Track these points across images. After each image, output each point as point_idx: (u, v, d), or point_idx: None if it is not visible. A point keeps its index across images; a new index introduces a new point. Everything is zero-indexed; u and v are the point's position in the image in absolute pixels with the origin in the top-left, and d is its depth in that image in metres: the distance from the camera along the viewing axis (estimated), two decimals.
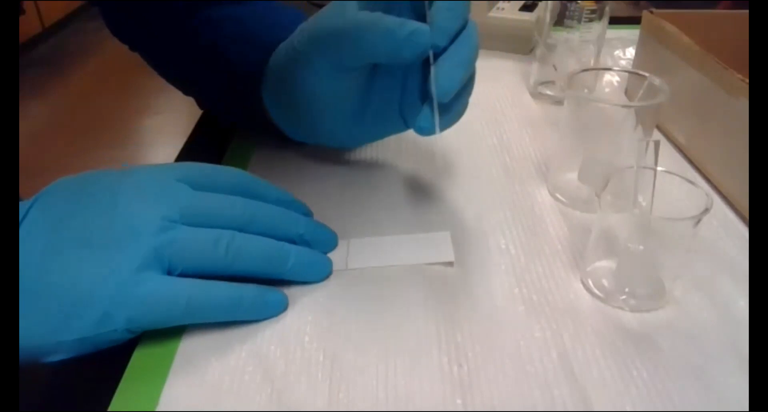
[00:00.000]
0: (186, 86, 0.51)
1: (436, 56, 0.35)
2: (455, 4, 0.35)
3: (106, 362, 0.31)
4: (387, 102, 0.41)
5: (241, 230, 0.34)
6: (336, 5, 0.37)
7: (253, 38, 0.45)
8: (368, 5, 0.36)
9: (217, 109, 0.51)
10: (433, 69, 0.34)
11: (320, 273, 0.36)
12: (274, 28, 0.44)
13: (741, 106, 0.41)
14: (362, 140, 0.47)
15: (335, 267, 0.37)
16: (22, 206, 0.32)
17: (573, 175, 0.43)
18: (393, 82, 0.40)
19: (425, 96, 0.37)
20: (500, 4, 0.70)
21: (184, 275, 0.32)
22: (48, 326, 0.29)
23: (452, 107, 0.37)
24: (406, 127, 0.42)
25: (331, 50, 0.37)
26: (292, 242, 0.36)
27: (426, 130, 0.36)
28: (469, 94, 0.39)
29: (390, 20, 0.34)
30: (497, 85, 0.62)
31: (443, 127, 0.37)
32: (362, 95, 0.40)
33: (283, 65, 0.41)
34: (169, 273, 0.32)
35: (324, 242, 0.38)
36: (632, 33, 0.63)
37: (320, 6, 0.38)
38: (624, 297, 0.35)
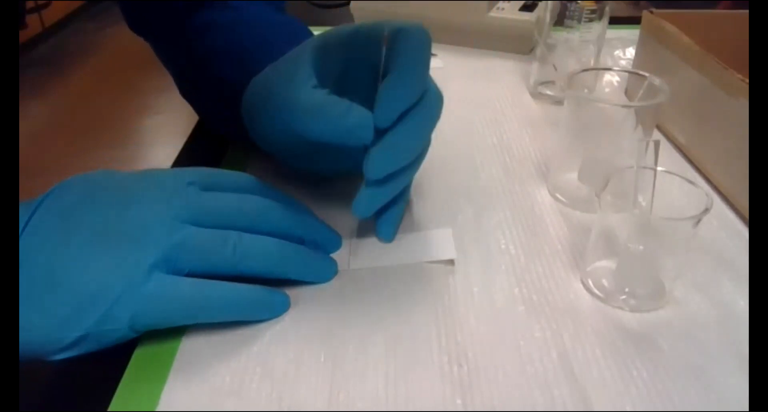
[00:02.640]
0: (185, 89, 0.51)
1: (380, 133, 0.34)
2: (404, 87, 0.33)
3: (106, 362, 0.31)
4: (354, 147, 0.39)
5: (249, 230, 0.34)
6: (290, 68, 0.36)
7: (237, 55, 0.44)
8: (326, 59, 0.36)
9: (212, 116, 0.51)
10: (368, 152, 0.33)
11: (326, 274, 0.37)
12: (260, 46, 0.43)
13: (741, 107, 0.41)
14: (338, 174, 0.44)
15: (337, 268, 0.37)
16: (31, 203, 0.32)
17: (573, 175, 0.43)
18: None
19: None
20: (500, 4, 0.70)
21: (191, 274, 0.32)
22: (54, 320, 0.29)
23: (387, 186, 0.36)
24: None
25: (276, 121, 0.36)
26: (300, 242, 0.36)
27: (358, 213, 0.35)
28: (407, 176, 0.37)
29: (333, 110, 0.33)
30: (497, 85, 0.62)
31: (373, 207, 0.36)
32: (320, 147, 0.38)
33: (247, 107, 0.40)
34: (177, 273, 0.32)
35: (329, 243, 0.38)
36: (632, 33, 0.63)
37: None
38: (624, 297, 0.35)
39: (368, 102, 0.34)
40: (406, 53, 0.33)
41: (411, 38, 0.33)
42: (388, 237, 0.39)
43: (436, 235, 0.40)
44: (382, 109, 0.33)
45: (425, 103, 0.35)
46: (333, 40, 0.36)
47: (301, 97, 0.34)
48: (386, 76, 0.33)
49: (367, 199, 0.35)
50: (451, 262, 0.38)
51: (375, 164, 0.34)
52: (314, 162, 0.41)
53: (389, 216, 0.39)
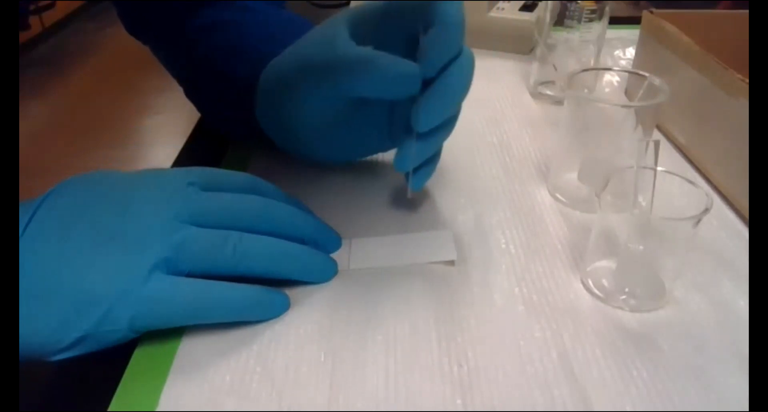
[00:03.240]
0: (186, 89, 0.51)
1: (424, 85, 0.35)
2: (448, 35, 0.34)
3: (106, 362, 0.31)
4: (376, 126, 0.41)
5: (249, 230, 0.34)
6: (327, 33, 0.37)
7: (245, 51, 0.44)
8: (359, 32, 0.36)
9: (213, 116, 0.51)
10: (416, 103, 0.34)
11: (326, 274, 0.37)
12: (268, 42, 0.43)
13: (741, 107, 0.41)
14: (352, 158, 0.46)
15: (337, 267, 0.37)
16: (31, 204, 0.32)
17: (573, 175, 0.43)
18: (382, 109, 0.40)
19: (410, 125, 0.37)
20: (500, 4, 0.70)
21: (191, 275, 0.32)
22: (54, 322, 0.29)
23: (430, 142, 0.37)
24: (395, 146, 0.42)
25: (319, 83, 0.36)
26: (300, 242, 0.36)
27: (400, 167, 0.37)
28: (447, 131, 0.39)
29: (381, 60, 0.34)
30: (497, 85, 0.62)
31: (416, 161, 0.37)
32: (351, 121, 0.40)
33: (271, 87, 0.40)
34: (177, 273, 0.32)
35: (329, 243, 0.38)
36: (632, 33, 0.63)
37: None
38: (624, 297, 0.35)
39: None
40: (444, 11, 0.34)
41: (447, 3, 0.34)
42: (418, 188, 0.40)
43: (436, 236, 0.40)
44: (428, 58, 0.34)
45: (463, 59, 0.36)
46: (366, 12, 0.37)
47: (347, 53, 0.35)
48: (428, 30, 0.34)
49: (411, 152, 0.36)
50: (451, 262, 0.38)
51: (424, 114, 0.35)
52: (326, 146, 0.41)
53: (425, 172, 0.39)
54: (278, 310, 0.34)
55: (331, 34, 0.36)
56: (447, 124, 0.38)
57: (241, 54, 0.44)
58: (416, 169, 0.39)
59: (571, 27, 0.55)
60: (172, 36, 0.48)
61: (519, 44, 0.69)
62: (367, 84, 0.35)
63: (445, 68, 0.35)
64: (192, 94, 0.51)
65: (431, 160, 0.39)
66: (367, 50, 0.35)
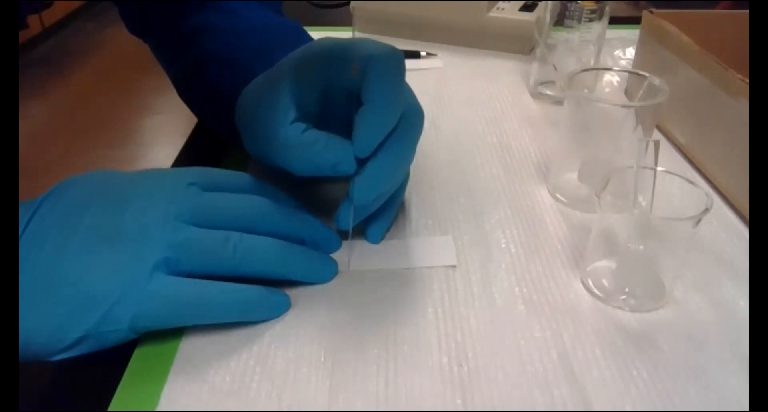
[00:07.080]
0: (179, 89, 0.51)
1: (363, 160, 0.34)
2: (377, 117, 0.33)
3: (106, 362, 0.31)
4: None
5: (250, 230, 0.34)
6: (270, 101, 0.36)
7: (234, 62, 0.43)
8: (305, 78, 0.36)
9: (202, 117, 0.51)
10: (353, 180, 0.34)
11: (326, 274, 0.37)
12: (256, 56, 0.43)
13: (741, 107, 0.41)
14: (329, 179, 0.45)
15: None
16: (31, 204, 0.32)
17: (573, 175, 0.43)
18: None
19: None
20: (500, 4, 0.70)
21: (191, 275, 0.32)
22: (54, 321, 0.29)
23: (367, 206, 0.38)
24: None
25: (263, 154, 0.37)
26: (300, 242, 0.36)
27: (339, 226, 0.37)
28: (386, 196, 0.39)
29: (313, 149, 0.34)
30: (497, 85, 0.62)
31: (355, 221, 0.37)
32: None
33: (238, 122, 0.40)
34: (178, 274, 0.32)
35: (329, 243, 0.38)
36: (632, 33, 0.63)
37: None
38: (624, 297, 0.35)
39: (351, 121, 0.34)
40: (377, 83, 0.33)
41: (380, 66, 0.33)
42: (376, 240, 0.39)
43: (437, 242, 0.40)
44: (359, 141, 0.33)
45: (405, 126, 0.35)
46: (308, 62, 0.36)
47: (279, 135, 0.34)
48: (361, 106, 0.33)
49: (349, 213, 0.36)
50: (452, 267, 0.38)
51: (361, 193, 0.34)
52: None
53: (380, 225, 0.40)
54: (279, 310, 0.34)
55: (273, 102, 0.36)
56: (386, 192, 0.38)
57: (226, 65, 0.44)
58: (370, 224, 0.39)
59: (571, 27, 0.55)
60: (171, 37, 0.48)
61: (519, 44, 0.69)
62: (300, 170, 0.35)
63: (382, 145, 0.34)
64: (188, 96, 0.51)
65: (385, 212, 0.40)
66: (299, 136, 0.34)
